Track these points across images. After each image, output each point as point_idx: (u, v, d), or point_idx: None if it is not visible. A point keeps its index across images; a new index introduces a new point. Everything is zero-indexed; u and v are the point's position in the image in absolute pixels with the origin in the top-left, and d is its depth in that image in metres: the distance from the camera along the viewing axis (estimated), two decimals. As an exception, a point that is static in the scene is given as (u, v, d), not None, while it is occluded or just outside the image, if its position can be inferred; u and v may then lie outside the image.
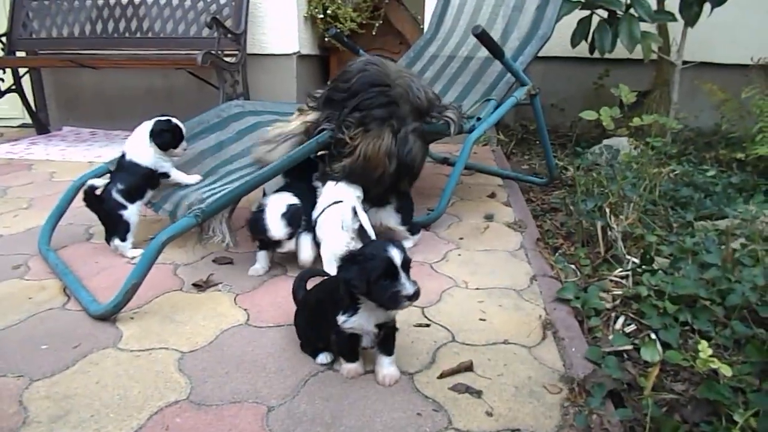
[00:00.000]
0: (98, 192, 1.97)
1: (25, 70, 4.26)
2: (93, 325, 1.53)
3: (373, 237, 1.74)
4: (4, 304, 1.65)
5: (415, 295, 1.15)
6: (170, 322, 1.54)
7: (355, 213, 1.71)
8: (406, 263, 1.17)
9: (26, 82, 4.28)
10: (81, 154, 3.61)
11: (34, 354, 1.40)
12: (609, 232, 1.95)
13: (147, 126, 2.00)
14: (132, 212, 1.97)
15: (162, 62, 3.72)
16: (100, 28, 4.01)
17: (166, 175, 2.01)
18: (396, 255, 1.15)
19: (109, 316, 1.54)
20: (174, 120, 2.01)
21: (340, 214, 1.71)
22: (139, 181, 1.98)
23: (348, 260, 1.19)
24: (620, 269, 1.79)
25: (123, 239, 1.97)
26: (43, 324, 1.55)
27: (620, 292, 1.66)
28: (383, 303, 1.17)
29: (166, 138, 1.98)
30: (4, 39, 4.10)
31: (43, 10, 4.11)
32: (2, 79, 4.03)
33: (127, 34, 3.94)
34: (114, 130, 4.40)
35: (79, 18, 4.05)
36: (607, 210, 2.01)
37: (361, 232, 1.68)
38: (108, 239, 2.01)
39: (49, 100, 4.54)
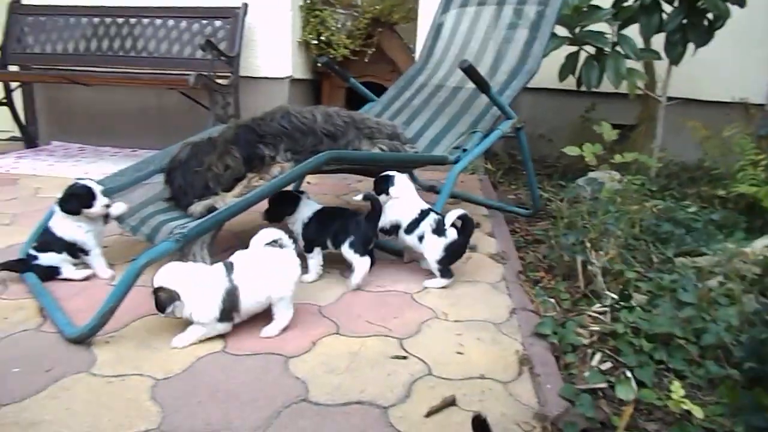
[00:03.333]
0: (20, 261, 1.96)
1: (17, 84, 4.27)
2: (67, 349, 1.52)
3: None
4: (-21, 324, 1.63)
5: None
6: (146, 347, 1.53)
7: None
8: None
9: (17, 96, 4.29)
10: (68, 170, 3.60)
11: (6, 377, 1.38)
12: (589, 267, 1.97)
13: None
14: (46, 258, 1.93)
15: (154, 82, 3.75)
16: (94, 46, 4.04)
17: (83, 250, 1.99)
18: None
19: (84, 339, 1.53)
20: (82, 182, 1.97)
21: None
22: (55, 248, 1.95)
23: None
24: (599, 305, 1.81)
25: (59, 274, 1.95)
26: (17, 346, 1.53)
27: (598, 328, 1.67)
28: None
29: (74, 204, 1.93)
30: (-3, 53, 4.12)
31: (39, 26, 4.14)
32: (-7, 93, 4.03)
33: (121, 53, 3.98)
34: (103, 147, 4.40)
35: (74, 35, 4.08)
36: (588, 245, 2.03)
37: None
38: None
39: (40, 115, 4.54)
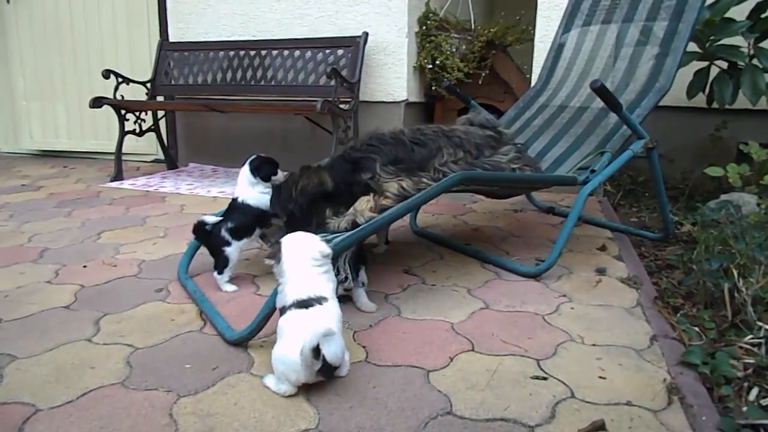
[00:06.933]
0: (208, 228, 2.14)
1: (163, 112, 4.79)
2: (228, 350, 1.68)
3: None
4: (152, 323, 1.85)
5: None
6: (296, 353, 1.65)
7: None
8: None
9: (162, 123, 4.81)
10: (205, 189, 3.96)
11: (180, 372, 1.55)
12: (736, 295, 1.85)
13: (246, 167, 2.18)
14: (233, 249, 2.11)
15: (285, 108, 4.06)
16: (229, 77, 4.45)
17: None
18: None
19: (242, 342, 1.68)
20: (264, 155, 2.20)
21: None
22: (249, 221, 2.15)
23: None
24: (751, 336, 1.69)
25: (220, 272, 2.12)
26: (185, 345, 1.72)
27: (752, 361, 1.57)
28: None
29: (267, 169, 2.15)
30: (148, 85, 4.66)
31: (183, 60, 4.64)
32: (144, 120, 4.55)
33: (252, 82, 4.34)
34: (233, 168, 4.79)
35: (212, 67, 4.52)
36: (735, 272, 1.91)
37: None
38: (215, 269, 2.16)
39: (180, 139, 5.06)
